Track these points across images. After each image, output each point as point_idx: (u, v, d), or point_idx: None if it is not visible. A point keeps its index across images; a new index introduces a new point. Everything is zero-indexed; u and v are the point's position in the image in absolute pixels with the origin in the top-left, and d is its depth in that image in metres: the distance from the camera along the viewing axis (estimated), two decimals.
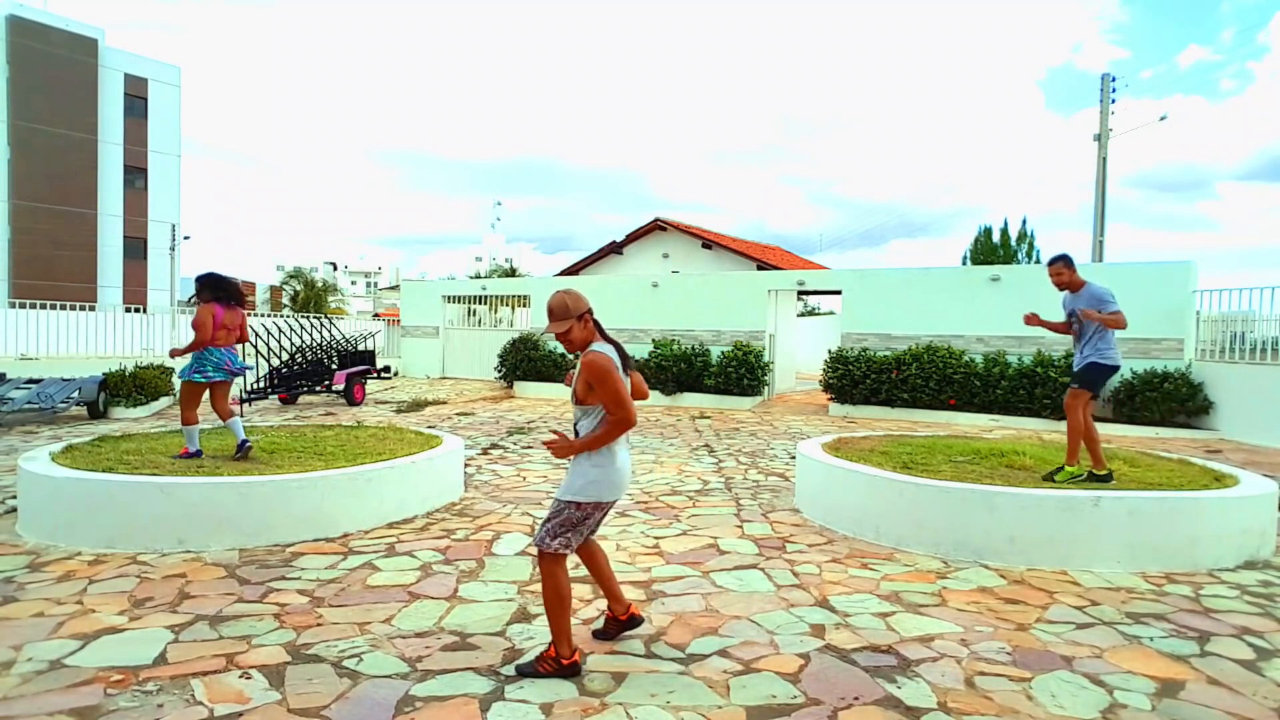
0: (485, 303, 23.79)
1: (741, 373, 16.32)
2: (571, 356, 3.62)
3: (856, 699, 3.37)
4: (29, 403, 11.72)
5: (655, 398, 17.00)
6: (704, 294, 18.39)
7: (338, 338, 17.89)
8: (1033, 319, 6.47)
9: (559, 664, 3.51)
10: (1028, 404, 13.75)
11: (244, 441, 6.47)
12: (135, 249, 44.68)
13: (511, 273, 58.23)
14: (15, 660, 3.63)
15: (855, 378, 15.32)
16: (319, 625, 4.12)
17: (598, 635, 3.98)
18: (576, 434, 3.57)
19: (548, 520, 3.54)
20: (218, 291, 6.68)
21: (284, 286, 52.43)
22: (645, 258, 27.33)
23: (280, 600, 4.47)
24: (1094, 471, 6.01)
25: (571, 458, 3.51)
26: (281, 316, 22.30)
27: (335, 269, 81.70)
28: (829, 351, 16.15)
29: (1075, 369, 6.34)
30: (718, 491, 7.73)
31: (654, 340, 17.94)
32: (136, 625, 4.08)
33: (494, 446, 10.31)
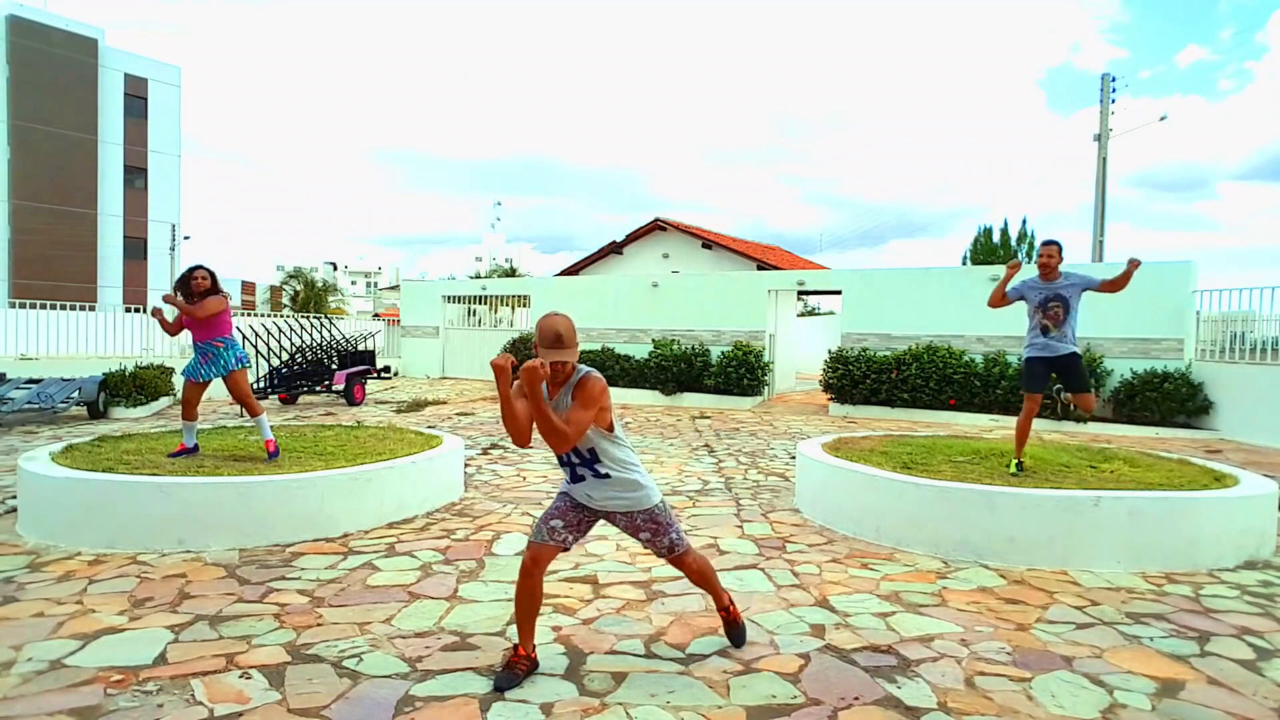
0: (485, 303, 23.81)
1: (741, 373, 16.32)
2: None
3: (856, 699, 3.37)
4: (29, 403, 11.72)
5: (655, 397, 17.03)
6: (704, 294, 18.39)
7: (337, 338, 17.89)
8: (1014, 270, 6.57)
9: None
10: None
11: (190, 448, 6.53)
12: (135, 249, 44.68)
13: (511, 273, 58.26)
14: (15, 660, 3.62)
15: (855, 378, 15.32)
16: (319, 625, 4.12)
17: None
18: (589, 456, 3.49)
19: (671, 527, 3.62)
20: (184, 291, 6.53)
21: (284, 286, 52.43)
22: (645, 257, 27.33)
23: (280, 600, 4.47)
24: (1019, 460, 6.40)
25: (611, 468, 3.49)
26: (281, 316, 22.31)
27: (335, 269, 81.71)
28: (829, 351, 16.16)
29: (1069, 359, 6.40)
30: (718, 491, 7.73)
31: (654, 340, 17.94)
32: (136, 625, 4.08)
33: (494, 446, 10.32)
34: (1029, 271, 6.86)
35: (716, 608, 3.92)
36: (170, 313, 6.92)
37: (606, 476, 3.51)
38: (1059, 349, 6.38)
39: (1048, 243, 6.47)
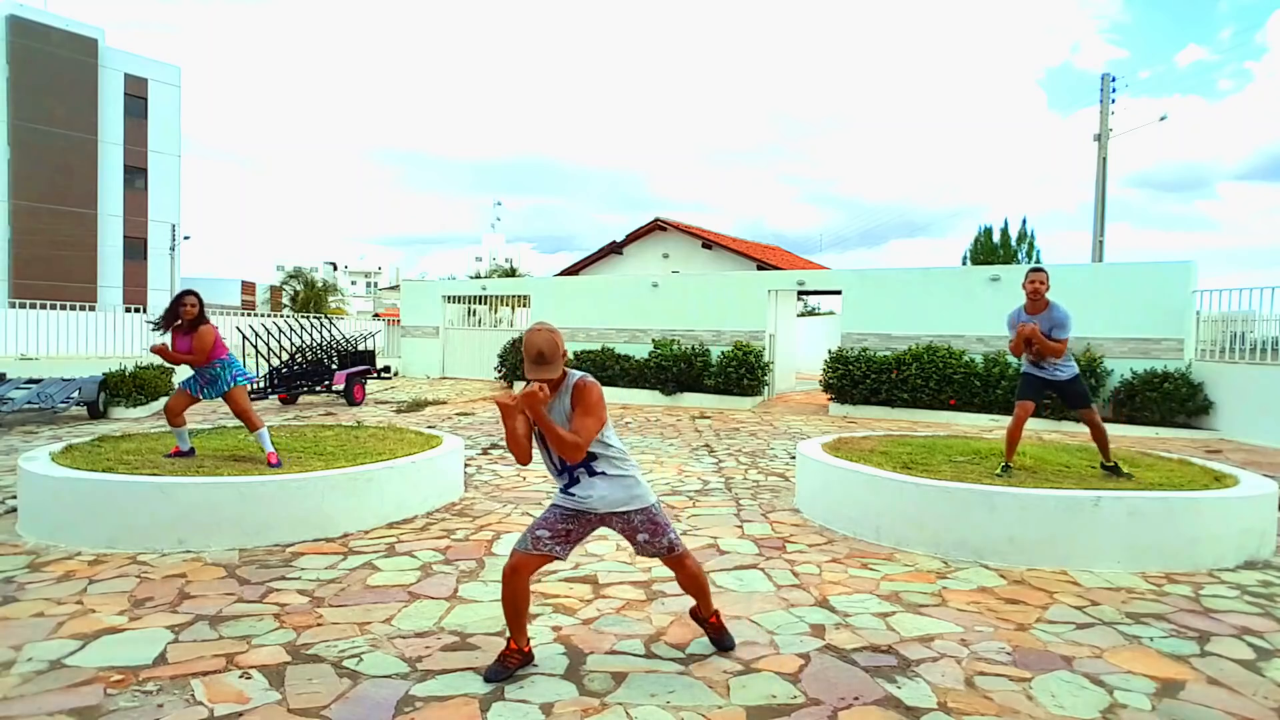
0: (485, 303, 23.80)
1: (741, 373, 16.32)
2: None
3: (856, 699, 3.37)
4: (29, 403, 11.73)
5: (655, 398, 17.02)
6: (704, 294, 18.39)
7: (337, 338, 17.88)
8: (1031, 335, 6.20)
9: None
10: None
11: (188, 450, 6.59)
12: (135, 249, 44.70)
13: (511, 273, 58.28)
14: (15, 660, 3.63)
15: (855, 378, 15.32)
16: (319, 625, 4.12)
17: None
18: (586, 458, 3.50)
19: (669, 527, 3.66)
20: (172, 317, 6.52)
21: (284, 286, 52.49)
22: (645, 258, 27.33)
23: (280, 600, 4.47)
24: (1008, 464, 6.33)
25: (605, 466, 3.53)
26: (281, 317, 22.31)
27: (335, 269, 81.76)
28: (829, 351, 16.16)
29: (1067, 382, 6.38)
30: (718, 491, 7.73)
31: (654, 340, 17.94)
32: (136, 625, 4.08)
33: (494, 446, 10.31)
34: (1019, 298, 6.57)
35: (703, 614, 3.90)
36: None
37: (602, 474, 3.54)
38: (1056, 375, 6.38)
39: (1036, 269, 6.34)
